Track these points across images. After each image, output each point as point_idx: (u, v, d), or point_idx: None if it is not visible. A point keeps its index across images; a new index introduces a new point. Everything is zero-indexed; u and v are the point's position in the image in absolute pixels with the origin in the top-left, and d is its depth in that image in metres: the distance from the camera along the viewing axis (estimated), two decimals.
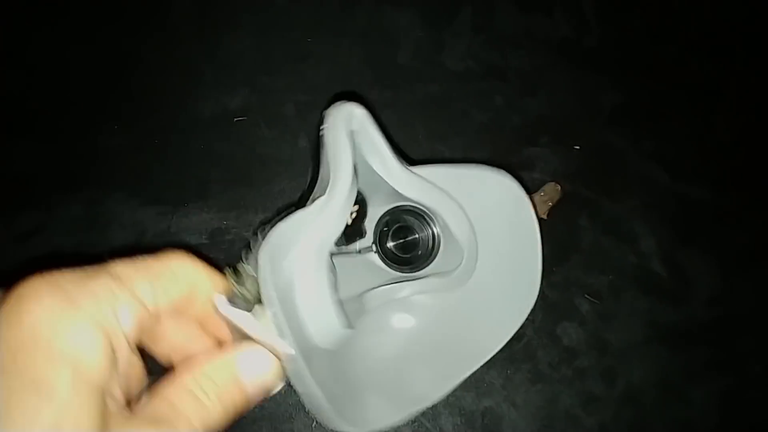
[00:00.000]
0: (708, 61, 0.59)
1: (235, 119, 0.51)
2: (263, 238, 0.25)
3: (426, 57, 0.57)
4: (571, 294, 0.44)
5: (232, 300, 0.23)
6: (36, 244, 0.44)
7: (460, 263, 0.32)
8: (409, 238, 0.35)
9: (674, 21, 0.61)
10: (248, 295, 0.24)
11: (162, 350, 0.24)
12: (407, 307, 0.33)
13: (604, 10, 0.61)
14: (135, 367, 0.22)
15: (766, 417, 0.41)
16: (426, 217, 0.34)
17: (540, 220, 0.33)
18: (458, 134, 0.52)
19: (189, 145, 0.49)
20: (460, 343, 0.33)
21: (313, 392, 0.24)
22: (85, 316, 0.18)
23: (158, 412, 0.20)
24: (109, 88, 0.51)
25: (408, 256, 0.34)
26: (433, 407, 0.39)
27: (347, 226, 0.28)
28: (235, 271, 0.25)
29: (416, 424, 0.38)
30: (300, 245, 0.25)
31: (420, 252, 0.35)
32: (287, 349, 0.23)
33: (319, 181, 0.29)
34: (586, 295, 0.44)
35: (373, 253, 0.34)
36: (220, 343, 0.25)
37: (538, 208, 0.43)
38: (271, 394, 0.23)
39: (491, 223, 0.32)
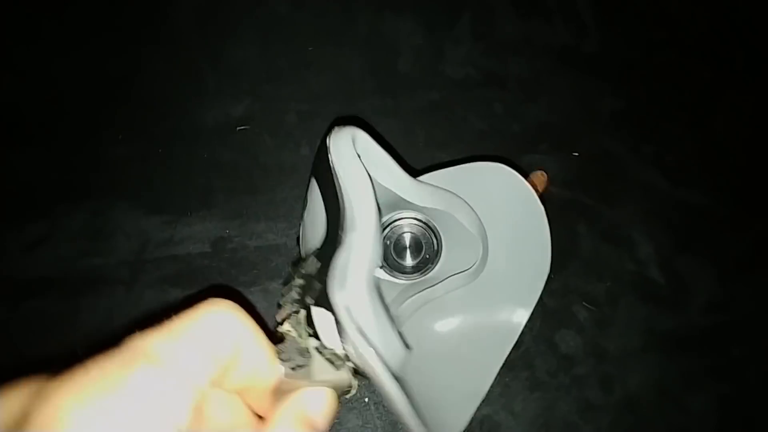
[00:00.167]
0: (707, 67, 0.59)
1: (238, 128, 0.52)
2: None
3: (426, 64, 0.57)
4: (570, 301, 0.44)
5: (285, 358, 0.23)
6: (42, 254, 0.45)
7: (477, 257, 0.35)
8: (410, 244, 0.36)
9: (673, 27, 0.61)
10: (304, 345, 0.24)
11: None
12: (441, 310, 0.36)
13: (603, 17, 0.61)
14: None
15: (764, 424, 0.41)
16: (420, 221, 0.35)
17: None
18: (458, 141, 0.53)
19: (192, 153, 0.50)
20: (491, 330, 0.36)
21: (410, 422, 0.25)
22: None
23: None
24: (113, 97, 0.52)
25: (415, 262, 0.35)
26: None
27: None
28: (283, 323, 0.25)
29: None
30: (352, 282, 0.25)
31: (427, 255, 0.36)
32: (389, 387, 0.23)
33: (335, 212, 0.29)
34: (584, 303, 0.44)
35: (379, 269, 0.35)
36: (261, 418, 0.23)
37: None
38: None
39: (498, 211, 0.35)
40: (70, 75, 0.52)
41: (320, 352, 0.23)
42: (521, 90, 0.57)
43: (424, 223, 0.35)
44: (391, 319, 0.27)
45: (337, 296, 0.24)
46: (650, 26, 0.62)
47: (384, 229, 0.35)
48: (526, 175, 0.39)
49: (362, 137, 0.30)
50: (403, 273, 0.36)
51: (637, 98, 0.57)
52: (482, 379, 0.34)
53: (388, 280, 0.35)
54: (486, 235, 0.36)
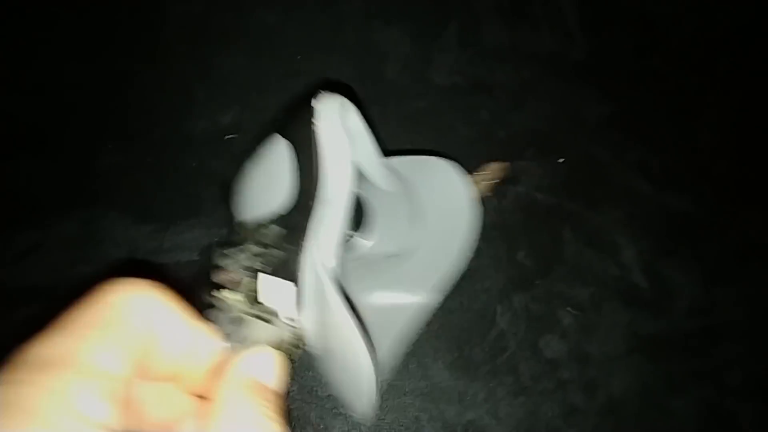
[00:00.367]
0: (691, 73, 0.60)
1: (226, 137, 0.52)
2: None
3: (414, 72, 0.58)
4: (554, 306, 0.45)
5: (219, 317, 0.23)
6: (32, 263, 0.45)
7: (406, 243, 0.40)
8: None
9: (658, 35, 0.62)
10: (242, 305, 0.24)
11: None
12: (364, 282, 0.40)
13: (590, 25, 0.62)
14: None
15: (746, 427, 0.41)
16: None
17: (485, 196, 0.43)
18: (445, 148, 0.53)
19: (181, 162, 0.51)
20: (404, 310, 0.41)
21: (367, 392, 0.26)
22: None
23: None
24: (103, 108, 0.52)
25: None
26: (416, 421, 0.40)
27: None
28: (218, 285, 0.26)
29: None
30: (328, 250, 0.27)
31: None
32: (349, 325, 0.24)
33: (308, 179, 0.29)
34: (568, 308, 0.45)
35: None
36: (204, 399, 0.21)
37: (479, 187, 0.49)
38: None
39: (435, 203, 0.39)
40: (59, 87, 0.53)
41: (260, 317, 0.23)
42: (508, 97, 0.57)
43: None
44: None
45: (318, 260, 0.25)
46: (636, 33, 0.62)
47: None
48: (524, 200, 0.44)
49: (348, 107, 0.31)
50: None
51: (623, 105, 0.58)
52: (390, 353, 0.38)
53: None
54: (419, 223, 0.39)
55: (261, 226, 0.29)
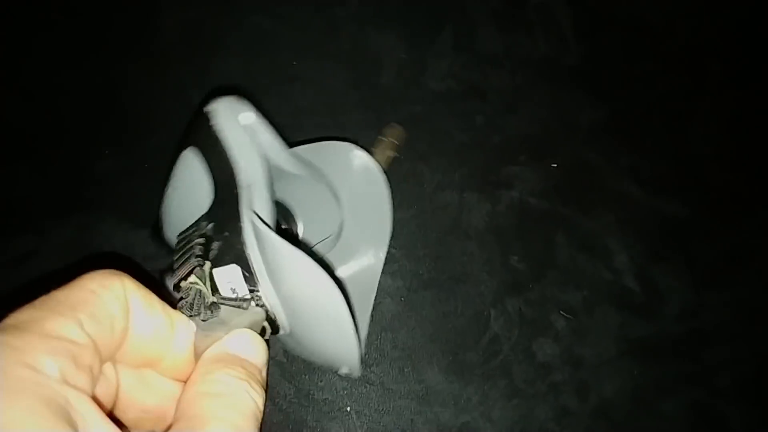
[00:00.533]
0: (684, 79, 0.61)
1: None
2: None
3: (408, 78, 0.59)
4: (547, 310, 0.45)
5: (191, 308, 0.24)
6: (29, 268, 0.46)
7: (336, 225, 0.42)
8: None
9: (651, 40, 0.63)
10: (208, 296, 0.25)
11: (138, 421, 0.21)
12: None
13: (583, 30, 0.63)
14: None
15: (735, 428, 0.42)
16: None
17: (393, 159, 0.46)
18: (439, 154, 0.54)
19: None
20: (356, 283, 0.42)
21: (346, 328, 0.27)
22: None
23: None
24: (100, 113, 0.53)
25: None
26: (412, 424, 0.40)
27: None
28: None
29: None
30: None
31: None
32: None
33: (226, 175, 0.32)
34: (561, 311, 0.45)
35: None
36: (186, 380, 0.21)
37: (387, 151, 0.50)
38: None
39: (347, 183, 0.41)
40: (57, 91, 0.53)
41: (226, 303, 0.24)
42: (502, 102, 0.58)
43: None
44: None
45: (257, 226, 0.27)
46: (629, 39, 0.63)
47: None
48: (517, 205, 0.45)
49: (242, 105, 0.33)
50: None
51: (616, 110, 0.59)
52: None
53: None
54: (337, 203, 0.42)
55: (194, 225, 0.31)
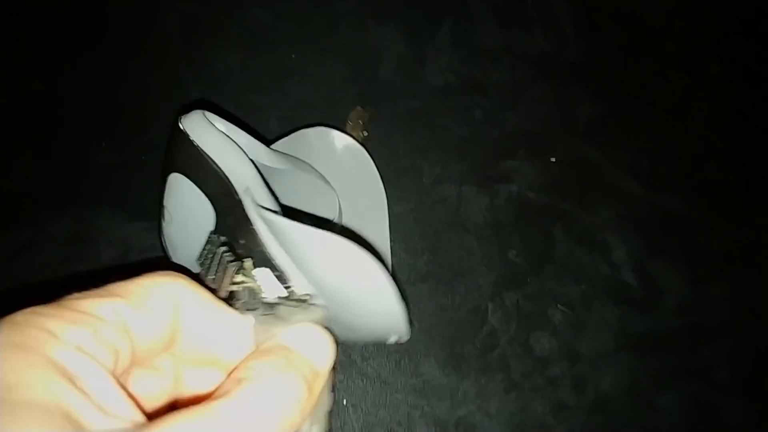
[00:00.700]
0: (683, 76, 0.61)
1: None
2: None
3: (408, 72, 0.58)
4: (545, 304, 0.45)
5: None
6: (25, 261, 0.46)
7: (334, 207, 0.42)
8: None
9: (651, 37, 0.63)
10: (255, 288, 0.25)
11: None
12: None
13: (583, 26, 0.63)
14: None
15: (732, 423, 0.42)
16: None
17: (361, 143, 0.45)
18: (438, 148, 0.54)
19: None
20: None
21: (388, 294, 0.27)
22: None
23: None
24: (98, 106, 0.52)
25: None
26: (408, 417, 0.40)
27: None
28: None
29: None
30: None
31: None
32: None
33: (221, 186, 0.32)
34: (558, 306, 0.45)
35: None
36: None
37: (355, 134, 0.51)
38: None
39: (333, 163, 0.42)
40: (54, 85, 0.53)
41: (281, 302, 0.23)
42: (501, 97, 0.58)
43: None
44: None
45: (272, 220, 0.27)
46: (628, 36, 0.63)
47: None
48: (516, 199, 0.45)
49: (211, 116, 0.33)
50: None
51: (615, 106, 0.59)
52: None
53: None
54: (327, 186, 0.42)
55: (209, 246, 0.30)
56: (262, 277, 0.27)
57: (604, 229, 0.50)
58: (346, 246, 0.26)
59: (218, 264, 0.30)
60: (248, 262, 0.28)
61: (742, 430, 0.42)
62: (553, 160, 0.54)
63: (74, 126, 0.51)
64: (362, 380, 0.42)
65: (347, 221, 0.43)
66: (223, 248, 0.30)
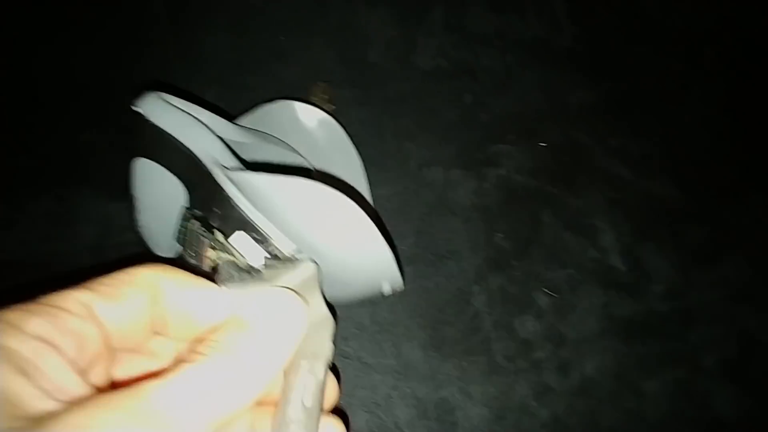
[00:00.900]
0: (676, 64, 0.60)
1: None
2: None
3: (397, 56, 0.58)
4: (530, 288, 0.45)
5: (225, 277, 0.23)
6: (4, 239, 0.45)
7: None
8: None
9: (644, 23, 0.62)
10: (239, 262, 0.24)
11: None
12: None
13: (576, 12, 0.62)
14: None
15: (716, 407, 0.41)
16: None
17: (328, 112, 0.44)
18: (426, 131, 0.53)
19: None
20: None
21: (373, 236, 0.27)
22: None
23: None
24: (81, 86, 0.52)
25: None
26: (388, 398, 0.40)
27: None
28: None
29: (371, 414, 0.39)
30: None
31: None
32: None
33: (189, 164, 0.31)
34: (544, 289, 0.44)
35: None
36: None
37: (321, 107, 0.49)
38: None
39: (304, 134, 0.42)
40: (36, 65, 0.52)
41: (262, 266, 0.22)
42: (491, 82, 0.57)
43: None
44: None
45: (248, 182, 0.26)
46: (622, 22, 0.62)
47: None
48: (503, 184, 0.44)
49: (168, 96, 0.32)
50: None
51: (607, 92, 0.58)
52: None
53: None
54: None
55: (183, 223, 0.30)
56: (242, 244, 0.27)
57: (592, 214, 0.49)
58: (322, 189, 0.25)
59: (194, 239, 0.29)
60: (218, 235, 0.27)
61: (729, 416, 0.41)
62: (543, 144, 0.54)
63: (57, 106, 0.51)
64: (341, 361, 0.41)
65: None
66: (197, 222, 0.29)
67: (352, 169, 0.42)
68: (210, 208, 0.30)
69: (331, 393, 0.22)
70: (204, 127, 0.32)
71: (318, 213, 0.27)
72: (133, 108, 0.33)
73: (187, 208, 0.32)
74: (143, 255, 0.44)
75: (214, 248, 0.27)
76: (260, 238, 0.27)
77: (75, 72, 0.52)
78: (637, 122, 0.56)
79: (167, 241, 0.35)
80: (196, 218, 0.30)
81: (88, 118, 0.50)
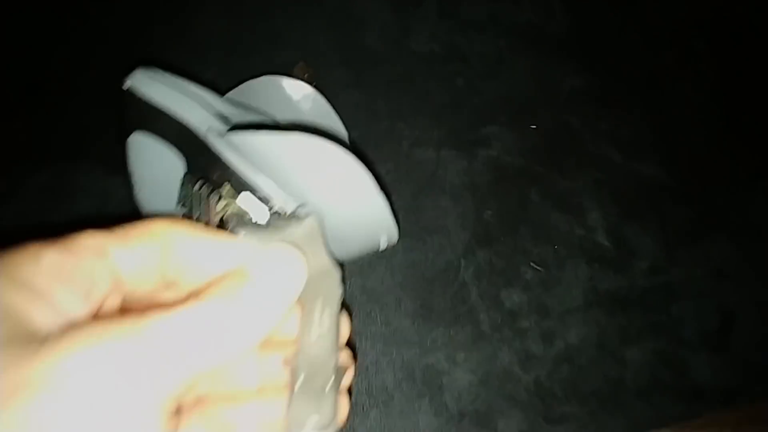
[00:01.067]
0: (667, 51, 0.61)
1: None
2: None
3: (392, 40, 0.59)
4: (517, 262, 0.46)
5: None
6: (4, 211, 0.46)
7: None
8: None
9: (637, 13, 0.63)
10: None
11: None
12: None
13: (570, 0, 0.63)
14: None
15: (695, 376, 0.42)
16: None
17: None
18: (419, 113, 0.54)
19: None
20: None
21: (380, 201, 0.28)
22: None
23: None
24: (81, 65, 0.53)
25: None
26: (376, 363, 0.41)
27: None
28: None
29: (360, 377, 0.40)
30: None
31: None
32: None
33: (184, 135, 0.33)
34: (531, 263, 0.46)
35: None
36: None
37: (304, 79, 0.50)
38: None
39: (292, 109, 0.43)
40: (37, 44, 0.53)
41: (266, 222, 0.23)
42: (484, 66, 0.58)
43: None
44: None
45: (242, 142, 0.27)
46: (615, 10, 0.63)
47: None
48: (493, 164, 0.46)
49: (156, 72, 0.33)
50: None
51: (598, 77, 0.59)
52: None
53: None
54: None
55: (184, 190, 0.31)
56: (246, 202, 0.28)
57: (580, 194, 0.51)
58: (320, 144, 0.27)
59: (199, 199, 0.30)
60: (226, 187, 0.28)
61: (706, 383, 0.42)
62: (533, 127, 0.55)
63: (57, 85, 0.52)
64: None
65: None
66: (201, 185, 0.30)
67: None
68: (209, 173, 0.31)
69: (344, 328, 0.24)
70: (194, 96, 0.33)
71: (316, 168, 0.28)
72: (124, 85, 0.34)
73: (188, 175, 0.33)
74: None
75: (219, 207, 0.28)
76: (262, 198, 0.28)
77: (73, 52, 0.53)
78: (627, 108, 0.57)
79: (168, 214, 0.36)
80: (199, 181, 0.31)
81: (87, 97, 0.51)
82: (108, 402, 0.15)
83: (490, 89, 0.57)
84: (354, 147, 0.44)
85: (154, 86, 0.33)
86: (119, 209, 0.47)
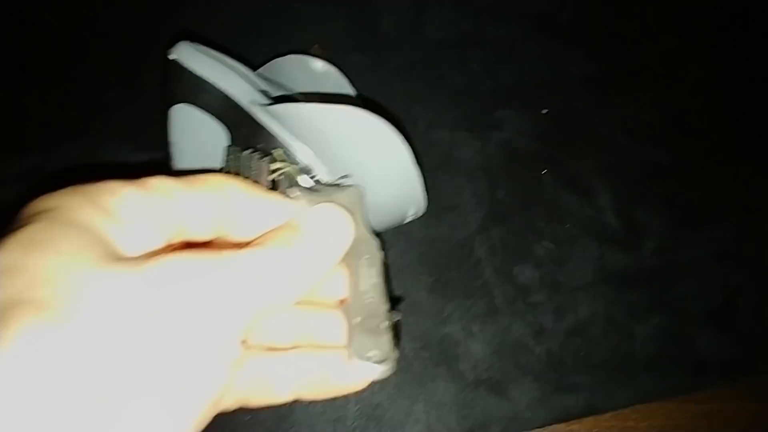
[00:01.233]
0: (676, 38, 0.62)
1: None
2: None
3: (407, 25, 0.60)
4: (530, 240, 0.47)
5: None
6: (32, 183, 0.48)
7: None
8: None
9: (644, 1, 0.64)
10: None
11: None
12: None
13: None
14: None
15: (700, 350, 0.44)
16: None
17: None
18: (433, 96, 0.56)
19: None
20: None
21: (414, 173, 0.30)
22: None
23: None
24: (111, 45, 0.55)
25: None
26: None
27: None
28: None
29: None
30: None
31: None
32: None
33: (230, 107, 0.34)
34: (543, 242, 0.47)
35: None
36: None
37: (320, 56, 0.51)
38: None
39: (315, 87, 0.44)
40: (72, 24, 0.55)
41: (314, 187, 0.25)
42: (497, 52, 0.60)
43: None
44: None
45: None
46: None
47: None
48: (504, 147, 0.50)
49: (196, 45, 0.34)
50: None
51: (608, 64, 0.60)
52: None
53: None
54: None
55: (230, 155, 0.32)
56: (298, 166, 0.29)
57: (590, 176, 0.52)
58: (361, 115, 0.28)
59: (249, 165, 0.31)
60: (278, 151, 0.29)
61: (710, 357, 0.44)
62: (544, 111, 0.56)
63: (86, 63, 0.53)
64: None
65: None
66: (248, 150, 0.31)
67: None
68: (252, 144, 0.32)
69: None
70: (236, 69, 0.34)
71: (357, 139, 0.29)
72: (169, 56, 0.35)
73: (231, 147, 0.34)
74: None
75: (272, 168, 0.29)
76: (305, 168, 0.29)
77: (105, 33, 0.55)
78: (637, 93, 0.59)
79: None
80: (245, 149, 0.32)
81: (115, 76, 0.53)
82: (198, 323, 0.16)
83: (503, 74, 0.58)
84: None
85: (199, 58, 0.34)
86: None
